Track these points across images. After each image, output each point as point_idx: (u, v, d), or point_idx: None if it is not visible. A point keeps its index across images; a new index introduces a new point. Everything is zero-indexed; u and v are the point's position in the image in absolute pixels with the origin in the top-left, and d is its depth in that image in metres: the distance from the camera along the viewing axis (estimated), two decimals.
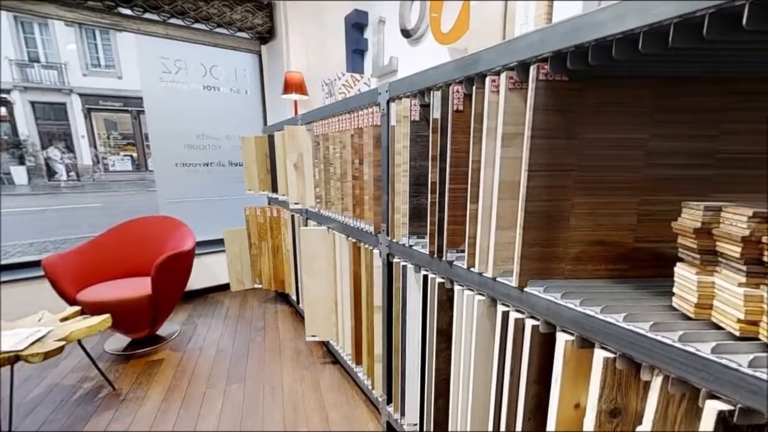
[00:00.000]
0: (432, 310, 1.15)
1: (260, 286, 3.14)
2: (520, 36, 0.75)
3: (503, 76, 0.79)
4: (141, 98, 2.90)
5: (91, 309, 2.03)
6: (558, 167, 0.76)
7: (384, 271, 1.43)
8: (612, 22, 0.58)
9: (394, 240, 1.31)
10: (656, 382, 0.62)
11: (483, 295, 0.96)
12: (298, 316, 2.88)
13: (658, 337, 0.59)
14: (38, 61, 13.19)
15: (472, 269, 0.97)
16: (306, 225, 2.29)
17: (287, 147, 2.23)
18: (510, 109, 0.80)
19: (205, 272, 3.28)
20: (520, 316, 0.85)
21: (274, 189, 2.83)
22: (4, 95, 12.57)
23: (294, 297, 2.81)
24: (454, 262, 1.03)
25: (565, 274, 0.82)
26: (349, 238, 1.71)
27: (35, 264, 2.58)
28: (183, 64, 2.99)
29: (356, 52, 2.61)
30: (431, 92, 1.02)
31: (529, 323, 0.82)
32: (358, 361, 1.83)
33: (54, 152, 13.53)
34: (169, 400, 1.87)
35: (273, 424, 1.69)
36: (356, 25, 2.54)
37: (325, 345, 2.39)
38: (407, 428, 1.42)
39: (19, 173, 12.72)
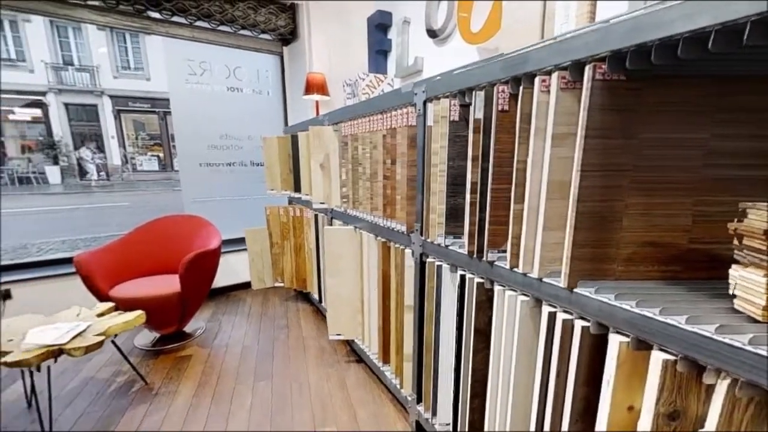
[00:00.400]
0: (469, 310, 1.15)
1: (281, 284, 3.18)
2: (574, 35, 0.74)
3: (555, 75, 0.79)
4: (168, 99, 2.96)
5: (123, 305, 2.08)
6: (612, 167, 0.76)
7: (416, 271, 1.44)
8: (680, 21, 0.58)
9: (429, 240, 1.32)
10: (722, 386, 0.61)
11: (527, 295, 0.96)
12: (320, 314, 2.91)
13: (726, 340, 0.59)
14: (72, 64, 13.70)
15: (515, 270, 0.96)
16: (330, 224, 2.31)
17: (313, 147, 2.25)
18: (561, 109, 0.80)
19: (227, 270, 3.33)
20: (568, 317, 0.85)
21: (297, 189, 2.86)
22: (39, 97, 13.01)
23: (316, 296, 2.83)
24: (496, 263, 1.03)
25: (616, 275, 0.81)
26: (378, 238, 1.72)
27: (67, 261, 2.66)
28: (208, 65, 3.04)
29: (379, 52, 2.62)
30: (473, 92, 1.02)
31: (579, 324, 0.81)
32: (386, 359, 1.83)
33: (86, 152, 13.99)
34: (200, 396, 1.91)
35: (302, 422, 1.72)
36: (380, 25, 2.55)
37: (348, 343, 2.41)
38: (439, 428, 1.42)
39: (53, 173, 13.18)
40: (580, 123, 0.75)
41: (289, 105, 3.50)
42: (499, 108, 0.94)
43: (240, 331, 2.65)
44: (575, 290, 0.81)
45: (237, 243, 3.36)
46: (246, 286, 3.41)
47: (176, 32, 2.78)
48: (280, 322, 2.81)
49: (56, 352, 1.49)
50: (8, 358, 1.42)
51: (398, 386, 1.73)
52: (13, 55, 13.05)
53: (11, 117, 13.14)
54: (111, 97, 14.33)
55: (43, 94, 13.42)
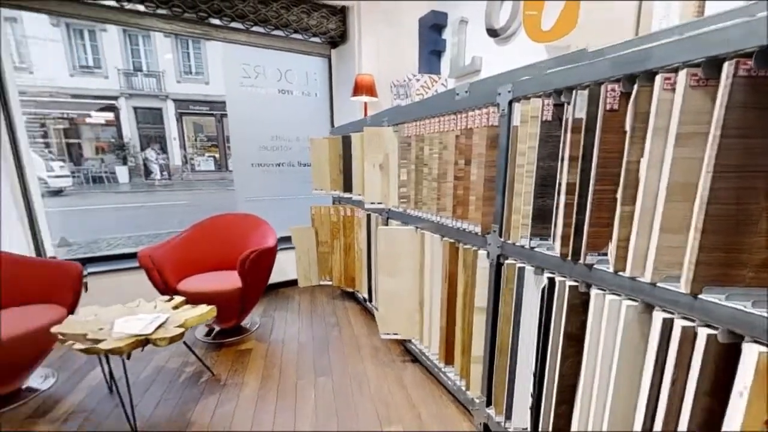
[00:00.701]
0: (559, 314, 1.13)
1: (327, 282, 3.24)
2: (711, 31, 0.71)
3: (683, 73, 0.76)
4: (224, 102, 3.08)
5: (191, 299, 2.18)
6: (750, 168, 0.72)
7: (491, 273, 1.43)
8: None
9: (509, 241, 1.30)
10: None
11: (634, 300, 0.93)
12: (368, 313, 2.93)
13: None
14: (141, 70, 14.74)
15: (620, 273, 0.94)
16: (386, 224, 2.32)
17: (369, 148, 2.28)
18: (689, 108, 0.77)
19: (275, 268, 3.42)
20: (688, 323, 0.81)
21: (347, 189, 2.90)
22: (112, 101, 14.09)
23: (365, 295, 2.86)
24: (595, 266, 1.00)
25: (745, 281, 0.77)
26: (445, 239, 1.71)
27: (132, 255, 2.82)
28: (261, 69, 3.14)
29: (432, 53, 2.61)
30: (573, 91, 1.00)
31: (704, 332, 0.78)
32: (448, 360, 1.83)
33: (151, 153, 14.97)
34: (265, 388, 1.97)
35: (367, 419, 1.74)
36: (434, 26, 2.55)
37: (401, 343, 2.42)
38: None
39: (122, 172, 14.21)
40: (715, 122, 0.72)
41: (336, 106, 3.56)
42: (607, 107, 0.92)
43: (293, 327, 2.72)
44: (700, 296, 0.78)
45: (283, 241, 3.45)
46: (293, 283, 3.49)
47: (234, 37, 2.89)
48: (330, 319, 2.86)
49: (143, 341, 1.59)
50: (103, 345, 1.52)
51: (463, 388, 1.72)
52: (91, 63, 14.20)
53: (88, 120, 14.28)
54: (174, 100, 15.28)
55: (116, 98, 14.52)
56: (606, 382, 1.01)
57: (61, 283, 1.97)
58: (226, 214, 2.90)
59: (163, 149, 15.51)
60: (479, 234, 1.45)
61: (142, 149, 15.08)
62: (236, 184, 3.30)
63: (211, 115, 15.96)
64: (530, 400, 1.31)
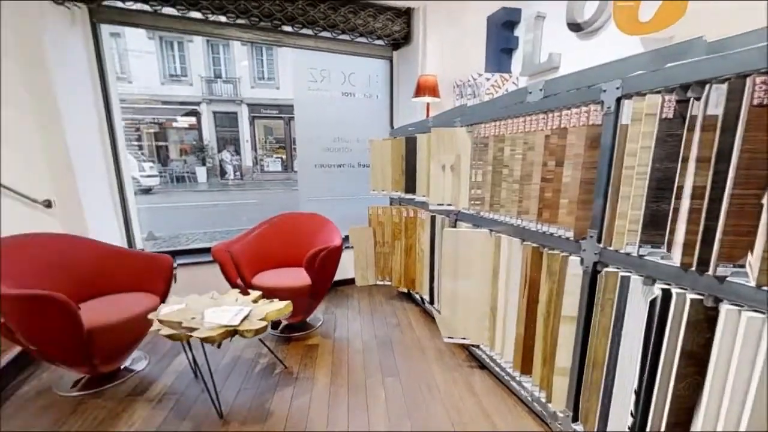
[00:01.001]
0: (674, 329, 1.03)
1: (384, 282, 3.26)
2: None
3: None
4: (292, 106, 3.21)
5: (264, 294, 2.29)
6: None
7: (584, 281, 1.35)
8: None
9: (611, 248, 1.22)
10: None
11: None
12: (428, 315, 2.91)
13: None
14: (220, 77, 16.06)
15: (765, 288, 0.84)
16: (455, 226, 2.29)
17: (439, 149, 2.25)
18: None
19: None
20: None
21: (409, 190, 2.90)
22: (195, 107, 15.56)
23: (426, 296, 2.84)
24: (728, 278, 0.90)
25: None
26: (526, 243, 1.65)
27: (206, 250, 3.02)
28: (327, 73, 3.23)
29: (503, 51, 2.53)
30: (707, 85, 0.91)
31: None
32: (525, 370, 1.76)
33: (226, 155, 16.21)
34: (336, 384, 2.02)
35: (440, 423, 1.72)
36: (506, 23, 2.47)
37: (466, 348, 2.37)
38: None
39: (201, 173, 15.55)
40: None
41: (396, 108, 3.58)
42: (754, 102, 0.82)
43: (355, 325, 2.76)
44: None
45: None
46: (350, 282, 3.55)
47: (303, 43, 3.00)
48: (390, 320, 2.87)
49: (232, 332, 1.68)
50: (197, 334, 1.64)
51: (542, 399, 1.64)
52: (179, 72, 15.73)
53: (174, 124, 15.86)
54: (248, 105, 16.40)
55: (198, 104, 15.91)
56: (739, 408, 0.91)
57: (155, 274, 2.15)
58: (294, 213, 3.01)
59: (237, 151, 16.65)
60: (571, 239, 1.38)
61: (219, 151, 16.32)
62: (300, 184, 3.42)
63: (280, 118, 16.89)
64: (630, 419, 1.22)
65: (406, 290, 3.16)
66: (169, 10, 2.42)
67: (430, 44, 3.10)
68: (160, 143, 15.99)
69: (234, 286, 2.58)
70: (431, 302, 2.78)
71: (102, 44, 2.35)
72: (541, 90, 1.53)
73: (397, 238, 3.06)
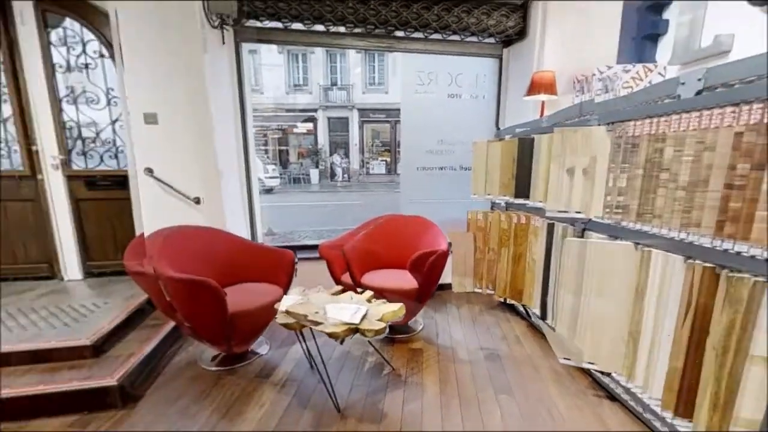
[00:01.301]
0: None
1: (482, 290, 3.10)
2: None
3: None
4: (399, 110, 3.25)
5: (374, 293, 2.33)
6: None
7: None
8: None
9: None
10: None
11: None
12: (536, 331, 2.68)
13: None
14: (336, 85, 17.42)
15: None
16: (581, 236, 2.06)
17: (567, 150, 2.05)
18: None
19: None
20: None
21: (520, 194, 2.71)
22: (313, 113, 17.30)
23: (536, 310, 2.62)
24: None
25: None
26: (692, 261, 1.39)
27: (312, 247, 3.21)
28: (434, 75, 3.21)
29: (646, 38, 2.21)
30: None
31: None
32: (683, 413, 1.48)
33: (336, 158, 17.63)
34: (447, 394, 1.95)
35: None
36: (651, 7, 2.15)
37: (587, 373, 2.11)
38: None
39: (314, 174, 17.21)
40: None
41: (505, 107, 3.40)
42: None
43: (457, 333, 2.67)
44: None
45: None
46: (446, 287, 3.46)
47: (413, 47, 3.02)
48: (494, 331, 2.72)
49: (354, 330, 1.73)
50: (323, 329, 1.72)
51: None
52: (301, 82, 17.40)
53: (294, 130, 17.74)
54: (359, 110, 17.49)
55: (315, 110, 17.46)
56: None
57: (279, 267, 2.35)
58: (399, 215, 3.04)
59: (346, 154, 17.87)
60: None
61: (330, 154, 17.72)
62: (402, 187, 3.46)
63: (387, 122, 17.59)
64: None
65: (507, 300, 2.96)
66: (297, 26, 2.63)
67: (549, 38, 2.87)
68: (282, 147, 17.78)
69: (338, 282, 2.69)
70: (543, 317, 2.55)
71: (242, 60, 2.66)
72: (699, 80, 1.27)
73: (504, 245, 2.88)
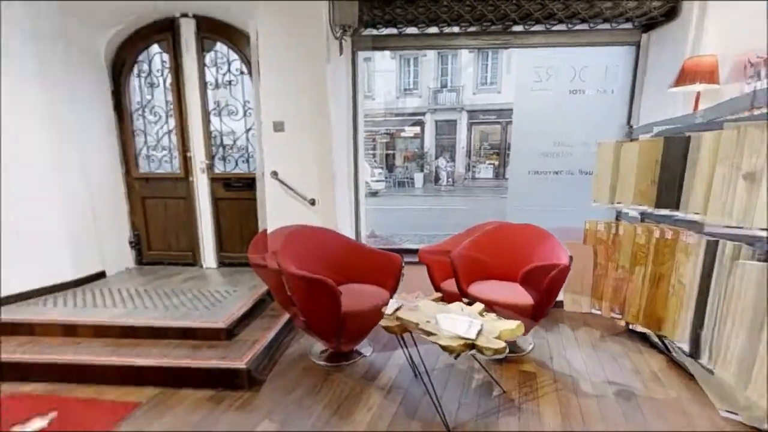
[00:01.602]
0: None
1: (600, 312, 2.70)
2: None
3: None
4: (511, 110, 3.04)
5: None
6: None
7: None
8: None
9: None
10: None
11: None
12: (680, 369, 2.23)
13: None
14: (446, 87, 17.18)
15: None
16: (766, 260, 1.62)
17: (745, 151, 1.64)
18: None
19: None
20: None
21: (665, 204, 2.27)
22: (421, 117, 17.34)
23: (683, 345, 2.16)
24: None
25: None
26: None
27: (411, 251, 3.16)
28: (554, 71, 2.93)
29: None
30: None
31: None
32: None
33: (441, 162, 17.48)
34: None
35: None
36: None
37: None
38: None
39: (418, 178, 17.28)
40: None
41: (639, 102, 2.92)
42: None
43: (576, 360, 2.36)
44: None
45: None
46: (557, 304, 3.10)
47: (532, 41, 2.80)
48: (623, 363, 2.33)
49: (470, 345, 1.62)
50: (436, 340, 1.65)
51: None
52: (411, 86, 17.53)
53: (402, 134, 18.04)
54: (468, 111, 16.93)
55: (423, 114, 17.42)
56: None
57: (387, 270, 2.36)
58: (509, 223, 2.83)
59: (452, 157, 17.48)
60: None
61: (436, 158, 17.52)
62: (509, 192, 3.23)
63: (498, 123, 16.62)
64: None
65: (635, 327, 2.52)
66: (410, 30, 2.63)
67: (709, 17, 2.38)
68: (389, 151, 18.11)
69: (437, 289, 2.60)
70: (693, 355, 2.09)
71: (357, 68, 2.77)
72: None
73: (640, 263, 2.45)
